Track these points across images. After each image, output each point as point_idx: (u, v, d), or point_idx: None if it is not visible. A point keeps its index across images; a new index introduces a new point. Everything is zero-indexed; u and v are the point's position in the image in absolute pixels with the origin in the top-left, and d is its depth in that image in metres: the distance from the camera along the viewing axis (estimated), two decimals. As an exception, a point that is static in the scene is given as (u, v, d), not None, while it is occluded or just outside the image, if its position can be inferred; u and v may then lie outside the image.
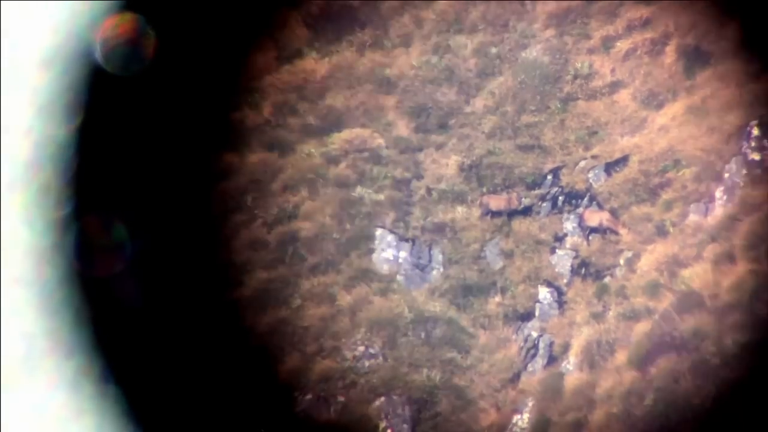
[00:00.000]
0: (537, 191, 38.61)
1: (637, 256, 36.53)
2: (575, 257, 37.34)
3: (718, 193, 36.21)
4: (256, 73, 40.76)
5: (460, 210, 38.43)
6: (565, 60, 40.47)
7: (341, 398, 35.10)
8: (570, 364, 35.33)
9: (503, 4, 41.54)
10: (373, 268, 37.32)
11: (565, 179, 38.60)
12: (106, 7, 34.13)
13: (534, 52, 40.78)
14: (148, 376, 32.43)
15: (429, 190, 38.86)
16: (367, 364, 35.52)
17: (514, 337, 36.45)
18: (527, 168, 38.99)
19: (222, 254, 37.00)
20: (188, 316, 34.56)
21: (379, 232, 37.91)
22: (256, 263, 37.21)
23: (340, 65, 41.29)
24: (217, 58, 38.69)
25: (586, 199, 38.14)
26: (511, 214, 38.30)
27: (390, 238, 37.81)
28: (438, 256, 37.79)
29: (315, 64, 41.43)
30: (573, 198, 38.32)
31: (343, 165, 39.24)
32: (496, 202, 38.35)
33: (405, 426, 34.74)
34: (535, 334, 36.34)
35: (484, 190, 38.78)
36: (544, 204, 38.38)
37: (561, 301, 36.81)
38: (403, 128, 40.21)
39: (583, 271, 37.10)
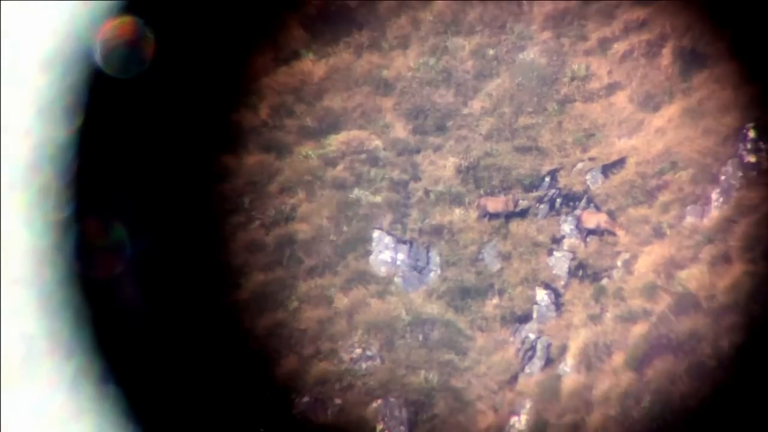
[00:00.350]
0: (534, 193, 38.58)
1: (634, 257, 36.54)
2: (572, 259, 37.32)
3: (715, 195, 36.26)
4: (254, 74, 40.64)
5: (457, 212, 38.39)
6: (562, 62, 40.46)
7: (338, 400, 35.07)
8: (567, 366, 35.34)
9: (500, 6, 41.49)
10: (370, 270, 37.27)
11: (562, 181, 38.60)
12: (105, 9, 34.12)
13: (531, 54, 40.75)
14: (147, 377, 32.40)
15: (426, 192, 38.81)
16: (364, 366, 35.50)
17: (511, 339, 36.43)
18: (525, 170, 38.98)
19: (220, 256, 36.95)
20: (187, 318, 34.53)
21: (376, 234, 37.86)
22: (253, 265, 37.14)
23: (337, 67, 41.19)
24: (214, 60, 38.65)
25: (583, 201, 38.14)
26: (509, 216, 38.26)
27: (387, 240, 37.77)
28: (435, 258, 37.76)
29: (312, 66, 41.32)
30: (570, 200, 38.31)
31: (340, 167, 39.17)
32: (494, 204, 38.32)
33: (402, 428, 34.72)
34: (532, 336, 36.31)
35: (482, 192, 38.74)
36: (542, 206, 38.36)
37: (558, 303, 36.78)
38: (400, 130, 40.14)
39: (580, 273, 37.09)
